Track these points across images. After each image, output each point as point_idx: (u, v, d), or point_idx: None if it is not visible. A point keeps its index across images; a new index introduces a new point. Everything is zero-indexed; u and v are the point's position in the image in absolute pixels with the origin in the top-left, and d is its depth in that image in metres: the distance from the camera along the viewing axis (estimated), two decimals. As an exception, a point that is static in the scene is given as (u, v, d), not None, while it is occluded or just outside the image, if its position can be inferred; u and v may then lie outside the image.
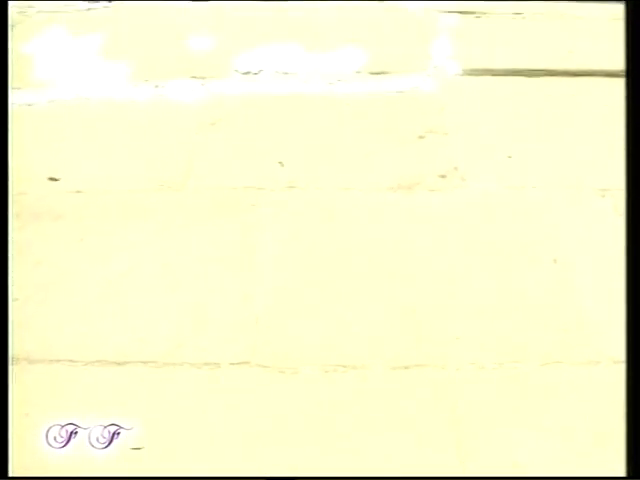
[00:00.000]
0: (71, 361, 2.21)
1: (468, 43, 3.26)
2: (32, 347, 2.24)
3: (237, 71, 3.16)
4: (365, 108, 2.98)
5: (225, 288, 2.38)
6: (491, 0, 3.44)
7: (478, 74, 3.12)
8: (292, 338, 2.25)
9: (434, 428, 2.06)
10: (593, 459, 1.99)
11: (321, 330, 2.26)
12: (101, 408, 2.09)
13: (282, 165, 2.77)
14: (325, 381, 2.15)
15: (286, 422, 2.07)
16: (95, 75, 3.18)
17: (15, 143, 2.70)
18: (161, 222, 2.58)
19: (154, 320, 2.30)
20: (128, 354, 2.22)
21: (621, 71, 2.77)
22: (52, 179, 2.75)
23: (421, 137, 2.86)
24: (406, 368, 2.18)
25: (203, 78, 3.13)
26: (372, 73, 3.13)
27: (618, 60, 2.78)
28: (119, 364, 2.20)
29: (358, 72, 3.14)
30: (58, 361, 2.22)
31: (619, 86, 2.72)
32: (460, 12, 3.39)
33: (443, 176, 2.71)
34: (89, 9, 3.51)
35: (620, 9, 3.00)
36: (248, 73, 3.15)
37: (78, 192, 2.70)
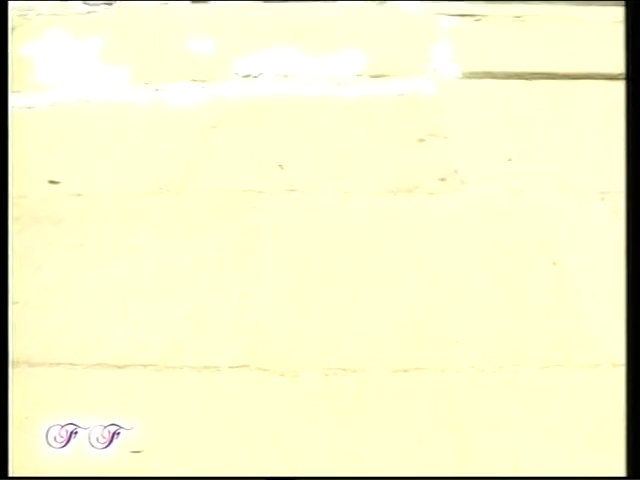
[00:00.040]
0: (71, 364, 2.21)
1: (468, 46, 3.26)
2: (32, 350, 2.24)
3: (237, 74, 3.16)
4: (365, 111, 2.99)
5: (225, 291, 2.38)
6: (491, 3, 3.44)
7: (478, 77, 3.12)
8: (292, 341, 2.25)
9: (434, 431, 2.06)
10: (593, 462, 1.99)
11: (321, 333, 2.27)
12: (101, 411, 2.09)
13: (282, 168, 2.77)
14: (325, 384, 2.15)
15: (286, 425, 2.07)
16: (95, 78, 3.18)
17: (15, 146, 2.70)
18: (161, 225, 2.58)
19: (154, 323, 2.30)
20: (128, 357, 2.22)
21: (621, 74, 2.78)
22: (52, 182, 2.75)
23: (421, 140, 2.86)
24: (406, 371, 2.18)
25: (203, 81, 3.13)
26: (372, 76, 3.13)
27: (618, 63, 2.78)
28: (119, 367, 2.20)
29: (358, 75, 3.14)
30: (58, 364, 2.22)
31: (619, 89, 2.72)
32: (460, 15, 3.39)
33: (443, 179, 2.71)
34: (89, 12, 3.51)
35: (620, 12, 3.00)
36: (248, 76, 3.15)
37: (78, 195, 2.70)
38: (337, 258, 2.46)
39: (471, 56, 3.21)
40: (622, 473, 1.90)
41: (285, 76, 3.14)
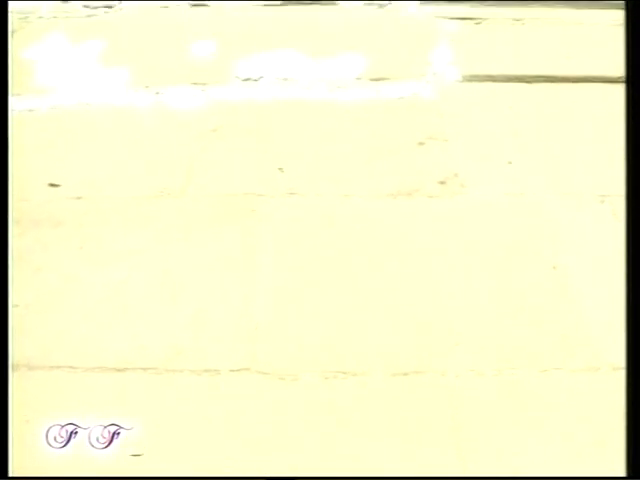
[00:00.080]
0: (71, 367, 2.21)
1: (468, 49, 3.27)
2: (32, 353, 2.24)
3: (237, 77, 3.17)
4: (365, 114, 2.99)
5: (225, 294, 2.38)
6: (491, 6, 3.45)
7: (478, 80, 3.12)
8: (292, 344, 2.25)
9: (434, 434, 2.06)
10: (593, 465, 1.99)
11: (321, 336, 2.27)
12: (101, 414, 2.08)
13: (282, 171, 2.77)
14: (325, 387, 2.15)
15: (286, 428, 2.07)
16: (96, 81, 3.19)
17: (16, 149, 2.70)
18: (161, 229, 2.58)
19: (154, 327, 2.30)
20: (128, 360, 2.22)
21: (620, 77, 2.78)
22: (53, 185, 2.75)
23: (421, 143, 2.86)
24: (406, 375, 2.18)
25: (204, 84, 3.14)
26: (372, 79, 3.14)
27: (618, 66, 2.79)
28: (119, 370, 2.20)
29: (358, 78, 3.15)
30: (58, 367, 2.22)
31: (619, 92, 2.72)
32: (460, 18, 3.40)
33: (443, 182, 2.71)
34: (89, 15, 3.52)
35: (620, 15, 3.00)
36: (248, 79, 3.15)
37: (78, 198, 2.70)
38: (337, 261, 2.46)
39: (471, 59, 3.22)
40: (622, 475, 1.90)
41: (285, 79, 3.15)
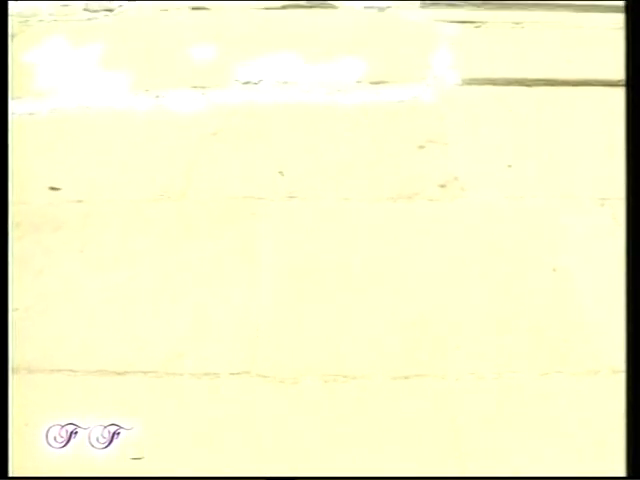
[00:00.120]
0: (71, 371, 2.21)
1: (468, 53, 3.27)
2: (32, 357, 2.24)
3: (237, 81, 3.17)
4: (365, 118, 2.99)
5: (225, 298, 2.38)
6: (491, 10, 3.45)
7: (478, 84, 3.12)
8: (292, 348, 2.25)
9: (434, 438, 2.06)
10: (592, 468, 1.99)
11: (321, 340, 2.27)
12: (101, 417, 2.09)
13: (282, 175, 2.77)
14: (325, 391, 2.15)
15: (286, 432, 2.07)
16: (96, 85, 3.19)
17: (16, 152, 2.70)
18: (161, 232, 2.58)
19: (154, 330, 2.30)
20: (128, 364, 2.22)
21: (620, 81, 2.79)
22: (53, 188, 2.75)
23: (421, 147, 2.86)
24: (406, 378, 2.18)
25: (204, 88, 3.14)
26: (372, 83, 3.14)
27: (618, 70, 2.79)
28: (119, 374, 2.20)
29: (358, 82, 3.15)
30: (58, 371, 2.22)
31: (619, 95, 2.72)
32: (460, 22, 3.40)
33: (443, 186, 2.71)
34: (90, 19, 3.52)
35: (620, 18, 3.01)
36: (248, 83, 3.16)
37: (79, 202, 2.70)
38: (337, 265, 2.46)
39: (471, 63, 3.22)
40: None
41: (285, 83, 3.15)
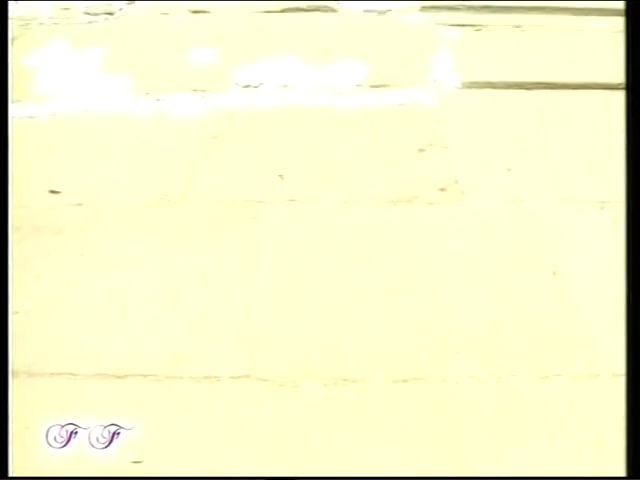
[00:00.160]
0: (71, 374, 2.21)
1: (468, 56, 3.27)
2: (32, 360, 2.24)
3: (238, 84, 3.17)
4: (365, 121, 2.99)
5: (225, 302, 2.38)
6: (491, 13, 3.45)
7: (478, 87, 3.13)
8: (292, 351, 2.25)
9: (434, 441, 2.05)
10: (593, 470, 1.99)
11: (321, 343, 2.26)
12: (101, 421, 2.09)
13: (282, 178, 2.77)
14: (325, 394, 2.15)
15: (286, 435, 2.07)
16: (96, 88, 3.19)
17: (16, 156, 2.70)
18: (161, 235, 2.58)
19: (155, 334, 2.30)
20: (128, 367, 2.22)
21: (620, 84, 2.79)
22: (53, 192, 2.75)
23: (421, 150, 2.86)
24: (406, 381, 2.18)
25: (204, 91, 3.14)
26: (372, 86, 3.14)
27: (617, 73, 2.79)
28: (119, 377, 2.20)
29: (358, 85, 3.15)
30: (58, 374, 2.22)
31: (618, 99, 2.72)
32: (460, 25, 3.40)
33: (443, 189, 2.71)
34: (90, 22, 3.52)
35: (619, 22, 3.01)
36: (249, 86, 3.16)
37: (79, 205, 2.70)
38: (337, 268, 2.46)
39: (471, 66, 3.22)
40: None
41: (285, 86, 3.15)
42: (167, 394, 2.16)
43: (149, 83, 3.19)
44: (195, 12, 3.51)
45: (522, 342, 2.26)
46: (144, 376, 2.20)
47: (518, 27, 3.40)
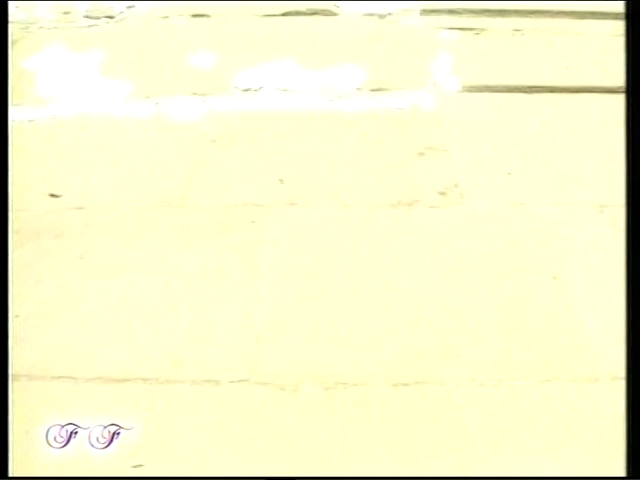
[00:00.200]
0: (72, 378, 2.21)
1: (467, 60, 3.27)
2: (32, 364, 2.24)
3: (237, 88, 3.17)
4: (365, 125, 2.99)
5: (225, 305, 2.38)
6: (490, 17, 3.45)
7: (477, 91, 3.12)
8: (292, 355, 2.25)
9: (434, 444, 2.05)
10: (593, 473, 1.99)
11: (321, 347, 2.26)
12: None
13: (282, 182, 2.77)
14: (325, 398, 2.15)
15: (287, 439, 2.07)
16: (96, 92, 3.19)
17: (16, 159, 2.69)
18: (161, 239, 2.58)
19: (155, 337, 2.30)
20: (129, 371, 2.22)
21: (620, 87, 2.78)
22: (53, 195, 2.75)
23: (421, 154, 2.86)
24: (406, 385, 2.18)
25: (204, 95, 3.14)
26: (372, 90, 3.14)
27: (617, 76, 2.79)
28: (119, 381, 2.20)
29: (358, 89, 3.15)
30: (59, 378, 2.22)
31: (618, 102, 2.72)
32: (460, 29, 3.40)
33: (443, 193, 2.71)
34: (90, 26, 3.52)
35: (619, 26, 3.01)
36: (248, 90, 3.16)
37: (79, 209, 2.70)
38: (337, 272, 2.46)
39: (471, 70, 3.22)
40: (622, 480, 1.91)
41: (285, 90, 3.15)
42: (167, 398, 2.16)
43: (149, 87, 3.19)
44: (195, 16, 3.51)
45: (522, 346, 2.26)
46: (144, 380, 2.20)
47: (518, 31, 3.40)
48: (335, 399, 2.15)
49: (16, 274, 2.40)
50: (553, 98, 3.09)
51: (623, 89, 2.63)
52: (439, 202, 2.69)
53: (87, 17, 3.55)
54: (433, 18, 3.45)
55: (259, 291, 2.41)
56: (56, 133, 3.03)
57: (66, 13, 3.56)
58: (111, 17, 3.55)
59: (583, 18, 3.44)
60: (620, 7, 3.02)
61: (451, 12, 3.47)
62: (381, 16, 3.48)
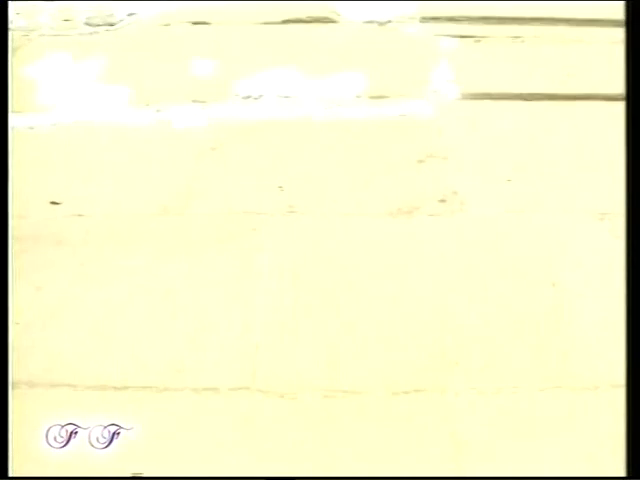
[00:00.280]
0: (71, 385, 2.21)
1: (467, 67, 3.27)
2: (33, 371, 2.25)
3: (238, 95, 3.17)
4: (365, 132, 2.99)
5: (225, 313, 2.38)
6: (490, 24, 3.45)
7: (477, 98, 3.12)
8: (292, 363, 2.25)
9: (434, 453, 2.06)
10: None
11: (321, 355, 2.27)
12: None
13: (282, 190, 2.77)
14: (325, 406, 2.15)
15: (286, 447, 2.07)
16: (97, 99, 3.19)
17: (16, 166, 2.70)
18: (161, 247, 2.58)
19: (154, 345, 2.30)
20: (128, 379, 2.23)
21: (620, 95, 2.78)
22: (53, 203, 2.75)
23: (421, 161, 2.86)
24: (406, 393, 2.18)
25: (204, 102, 3.14)
26: (372, 97, 3.14)
27: (617, 84, 2.79)
28: (119, 389, 2.20)
29: (358, 96, 3.15)
30: (59, 385, 2.22)
31: (618, 110, 2.72)
32: (459, 36, 3.40)
33: (443, 201, 2.71)
34: (91, 33, 3.53)
35: (619, 33, 3.01)
36: (249, 97, 3.16)
37: (79, 216, 2.70)
38: (337, 280, 2.46)
39: (470, 77, 3.22)
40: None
41: (285, 97, 3.15)
42: (167, 405, 2.16)
43: (149, 94, 3.19)
44: (195, 23, 3.51)
45: (522, 354, 2.26)
46: (144, 387, 2.20)
47: (518, 38, 3.40)
48: (334, 407, 2.15)
49: (16, 281, 2.40)
50: (553, 106, 3.08)
51: (623, 96, 2.63)
52: (439, 210, 2.69)
53: (88, 24, 3.55)
54: (433, 26, 3.45)
55: (259, 298, 2.41)
56: (57, 140, 3.03)
57: (67, 20, 3.57)
58: (112, 24, 3.55)
59: (583, 25, 3.44)
60: (620, 14, 3.03)
61: (451, 20, 3.47)
62: (381, 24, 3.48)
